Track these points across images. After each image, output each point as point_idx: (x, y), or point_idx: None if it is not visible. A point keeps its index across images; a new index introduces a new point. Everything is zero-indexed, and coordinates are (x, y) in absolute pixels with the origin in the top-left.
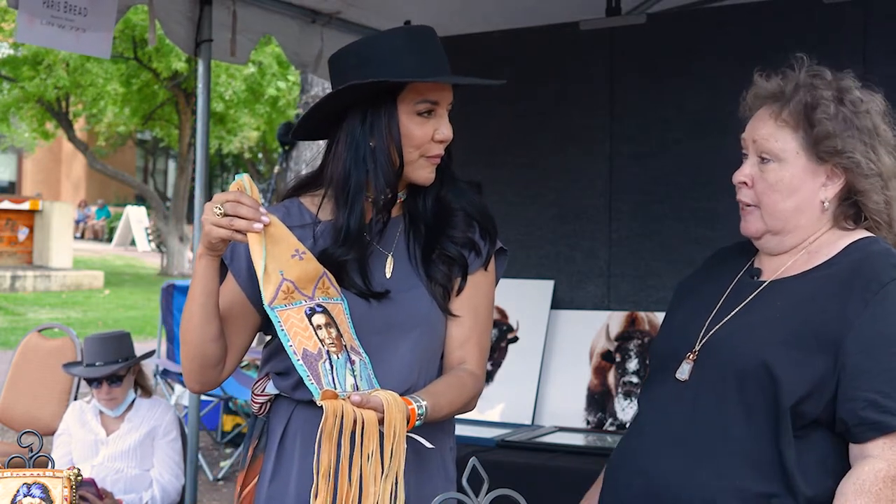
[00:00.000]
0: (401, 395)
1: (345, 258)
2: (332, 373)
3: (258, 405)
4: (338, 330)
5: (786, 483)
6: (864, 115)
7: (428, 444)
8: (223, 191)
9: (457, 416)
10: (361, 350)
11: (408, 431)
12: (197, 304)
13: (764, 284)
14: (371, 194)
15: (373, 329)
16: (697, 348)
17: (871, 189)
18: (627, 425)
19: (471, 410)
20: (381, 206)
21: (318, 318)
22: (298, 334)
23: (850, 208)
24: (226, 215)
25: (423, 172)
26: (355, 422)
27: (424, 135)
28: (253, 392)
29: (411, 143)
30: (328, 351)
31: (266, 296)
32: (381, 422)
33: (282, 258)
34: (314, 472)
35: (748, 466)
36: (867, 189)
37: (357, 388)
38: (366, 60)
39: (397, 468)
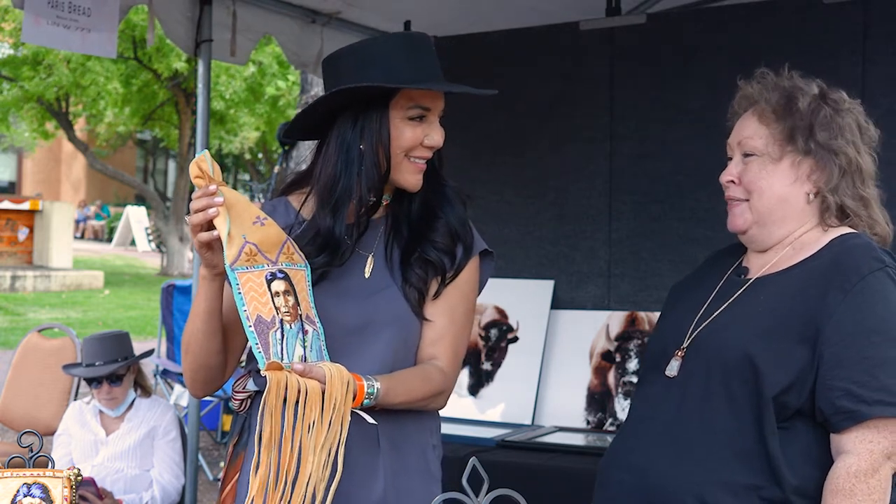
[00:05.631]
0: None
1: (324, 267)
2: (282, 342)
3: (238, 402)
4: (296, 298)
5: (771, 474)
6: (847, 113)
7: (371, 420)
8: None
9: (456, 416)
10: (317, 320)
11: (354, 408)
12: (200, 321)
13: (749, 282)
14: (356, 197)
15: (348, 329)
16: (685, 345)
17: (850, 185)
18: None
19: (438, 408)
20: (365, 209)
21: (278, 285)
22: (255, 299)
23: (834, 205)
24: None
25: (409, 177)
26: (299, 392)
27: (415, 138)
28: (233, 389)
29: (400, 146)
30: (282, 320)
31: (228, 256)
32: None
33: (244, 224)
34: (255, 443)
35: (734, 458)
36: (846, 185)
37: (305, 359)
38: (361, 64)
39: (333, 440)
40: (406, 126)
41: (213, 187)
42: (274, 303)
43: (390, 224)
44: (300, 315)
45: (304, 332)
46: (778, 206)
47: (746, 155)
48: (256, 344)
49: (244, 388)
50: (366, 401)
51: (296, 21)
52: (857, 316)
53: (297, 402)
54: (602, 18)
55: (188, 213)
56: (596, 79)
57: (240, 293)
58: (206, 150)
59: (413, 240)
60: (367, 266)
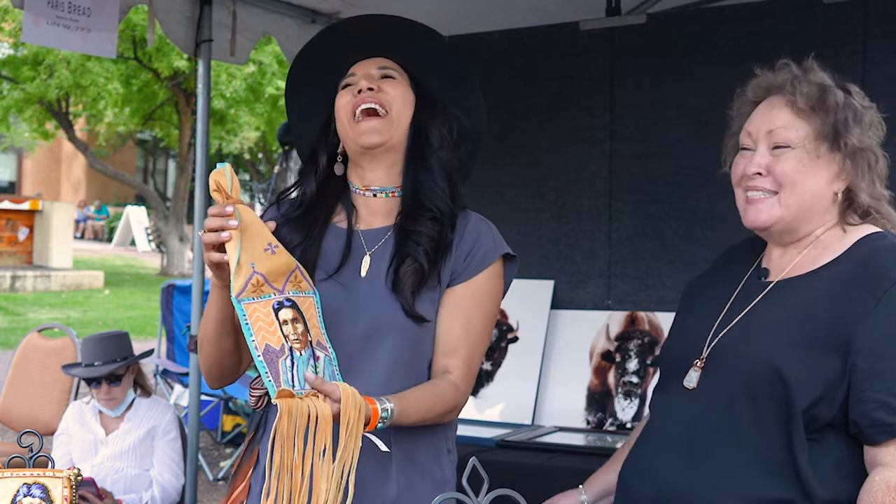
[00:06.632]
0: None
1: (297, 246)
2: (293, 370)
3: (255, 399)
4: (305, 325)
5: (801, 488)
6: (869, 110)
7: (383, 447)
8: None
9: (458, 417)
10: (328, 345)
11: (367, 432)
12: (212, 326)
13: (771, 285)
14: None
15: (352, 336)
16: (704, 355)
17: (871, 184)
18: (628, 425)
19: (450, 421)
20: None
21: (285, 313)
22: (262, 329)
23: (860, 203)
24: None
25: (359, 136)
26: (309, 417)
27: (346, 100)
28: (251, 386)
29: (339, 114)
30: (291, 347)
31: (235, 288)
32: (337, 417)
33: (255, 251)
34: (266, 470)
35: (762, 473)
36: (866, 184)
37: None
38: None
39: (346, 462)
40: (339, 97)
41: (229, 208)
42: (282, 331)
43: (400, 231)
44: (310, 342)
45: (316, 359)
46: (809, 202)
47: (777, 147)
48: (266, 373)
49: (261, 386)
50: (379, 424)
51: (296, 21)
52: (890, 324)
53: (308, 427)
54: (602, 18)
55: (189, 219)
56: (596, 79)
57: (247, 324)
58: (227, 164)
59: (404, 236)
60: (364, 265)
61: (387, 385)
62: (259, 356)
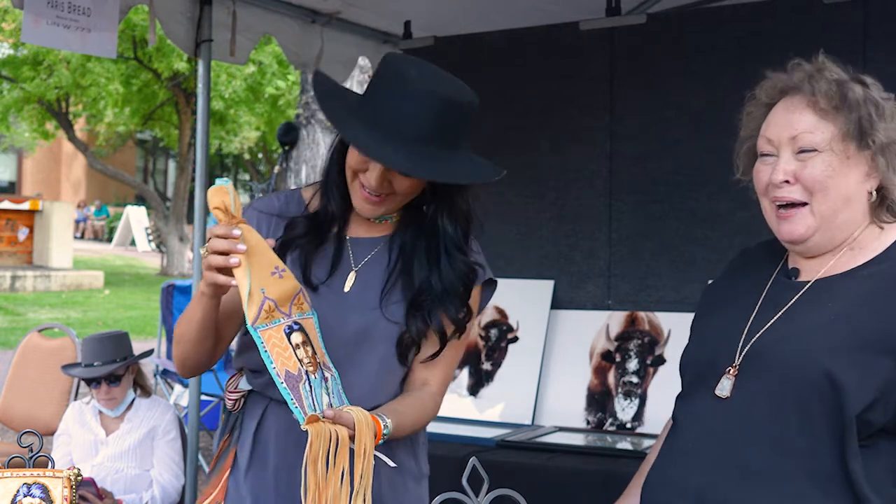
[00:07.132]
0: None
1: (306, 243)
2: (312, 394)
3: (232, 401)
4: (312, 347)
5: (855, 498)
6: (888, 101)
7: (391, 463)
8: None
9: (456, 416)
10: (331, 364)
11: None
12: (195, 329)
13: (808, 285)
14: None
15: (342, 341)
16: (738, 361)
17: None
18: (628, 425)
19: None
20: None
21: (296, 337)
22: (280, 355)
23: (886, 199)
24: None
25: (357, 202)
26: (330, 440)
27: (355, 162)
28: (227, 388)
29: (348, 164)
30: (306, 371)
31: (249, 316)
32: (351, 439)
33: (263, 276)
34: (301, 497)
35: (814, 484)
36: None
37: (331, 406)
38: (370, 86)
39: (366, 486)
40: (353, 150)
41: (237, 231)
42: (297, 355)
43: (397, 255)
44: (319, 363)
45: (325, 380)
46: (843, 207)
47: (802, 151)
48: (292, 400)
49: (237, 388)
50: (380, 441)
51: (296, 21)
52: None
53: (329, 450)
54: (602, 18)
55: (189, 219)
56: (596, 79)
57: (266, 351)
58: (229, 181)
59: (420, 289)
60: (349, 281)
61: (378, 385)
62: (282, 383)
